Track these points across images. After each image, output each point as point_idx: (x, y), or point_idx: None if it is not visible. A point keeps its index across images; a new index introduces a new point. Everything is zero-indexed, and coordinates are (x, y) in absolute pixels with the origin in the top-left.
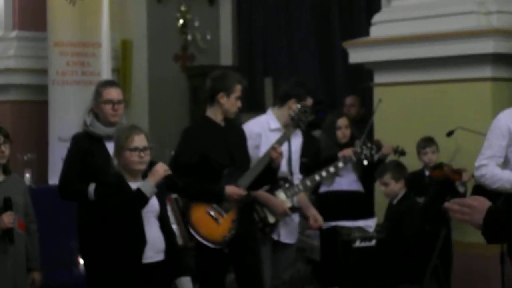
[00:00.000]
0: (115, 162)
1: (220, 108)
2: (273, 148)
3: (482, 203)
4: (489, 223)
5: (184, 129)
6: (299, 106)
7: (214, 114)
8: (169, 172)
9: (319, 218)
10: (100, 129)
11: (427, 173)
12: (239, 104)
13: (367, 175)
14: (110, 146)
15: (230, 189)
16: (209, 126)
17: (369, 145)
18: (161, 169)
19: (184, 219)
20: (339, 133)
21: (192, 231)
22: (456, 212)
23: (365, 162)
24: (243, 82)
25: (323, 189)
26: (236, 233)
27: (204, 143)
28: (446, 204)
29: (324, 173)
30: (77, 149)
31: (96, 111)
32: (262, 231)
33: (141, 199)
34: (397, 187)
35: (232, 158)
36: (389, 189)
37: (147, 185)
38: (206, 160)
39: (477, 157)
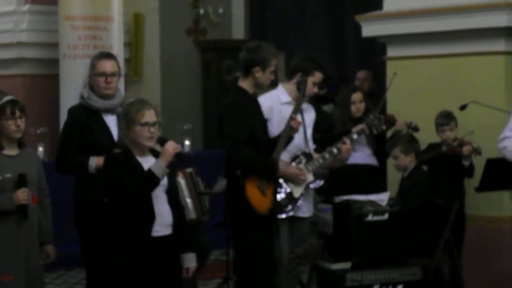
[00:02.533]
0: (124, 136)
1: (255, 81)
2: (292, 118)
3: None
4: None
5: (227, 104)
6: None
7: (248, 86)
8: (179, 150)
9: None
10: (97, 101)
11: (444, 148)
12: (272, 77)
13: (382, 149)
14: (108, 119)
15: (281, 164)
16: (247, 98)
17: (377, 115)
18: (171, 148)
19: (198, 193)
20: (353, 108)
21: (244, 204)
22: None
23: (375, 132)
24: (277, 56)
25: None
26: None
27: (250, 117)
28: None
29: (340, 144)
30: (74, 122)
31: (91, 84)
32: (288, 206)
33: (153, 180)
34: (407, 160)
35: (265, 130)
36: (398, 162)
37: (158, 166)
38: (252, 134)
39: (490, 131)
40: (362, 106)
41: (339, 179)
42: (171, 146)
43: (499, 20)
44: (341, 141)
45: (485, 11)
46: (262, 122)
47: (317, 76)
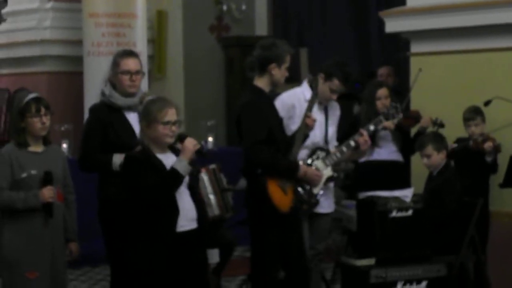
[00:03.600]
0: (144, 134)
1: (271, 78)
2: (307, 116)
3: None
4: None
5: (244, 104)
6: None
7: (264, 84)
8: (199, 146)
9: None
10: (119, 99)
11: (470, 143)
12: (287, 74)
13: (407, 146)
14: (130, 117)
15: (302, 166)
16: (264, 98)
17: (394, 104)
18: (191, 145)
19: (221, 189)
20: (379, 103)
21: (265, 202)
22: None
23: (394, 121)
24: (292, 52)
25: (363, 159)
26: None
27: (268, 117)
28: None
29: (357, 137)
30: (97, 120)
31: (113, 81)
32: (308, 203)
33: (177, 178)
34: (440, 158)
35: (282, 129)
36: (432, 161)
37: (181, 164)
38: (271, 133)
39: None
40: (387, 101)
41: (365, 175)
42: (191, 143)
43: None
44: (358, 133)
45: (509, 7)
46: (278, 121)
47: (335, 84)
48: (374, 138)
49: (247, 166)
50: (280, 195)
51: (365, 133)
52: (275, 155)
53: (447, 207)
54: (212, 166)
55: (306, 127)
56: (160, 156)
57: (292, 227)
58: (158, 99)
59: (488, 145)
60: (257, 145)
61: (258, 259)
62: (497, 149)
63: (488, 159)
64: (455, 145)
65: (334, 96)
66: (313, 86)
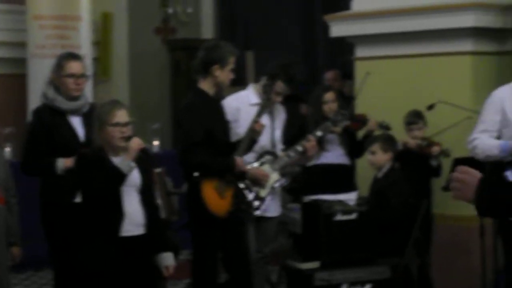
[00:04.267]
0: (96, 136)
1: (214, 80)
2: (255, 121)
3: (473, 176)
4: (481, 197)
5: (184, 106)
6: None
7: (208, 86)
8: (144, 146)
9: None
10: (63, 103)
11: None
12: (232, 75)
13: (354, 149)
14: (74, 121)
15: (239, 161)
16: (206, 100)
17: (341, 111)
18: (135, 145)
19: (167, 193)
20: (325, 107)
21: (201, 205)
22: (452, 189)
23: (340, 127)
24: (236, 53)
25: (310, 162)
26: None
27: (207, 118)
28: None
29: (305, 142)
30: (40, 123)
31: (56, 84)
32: (252, 206)
33: (119, 177)
34: (384, 158)
35: (225, 132)
36: (375, 158)
37: (124, 163)
38: (210, 135)
39: (457, 130)
40: (334, 105)
41: (312, 178)
42: (135, 143)
43: (466, 20)
44: (306, 138)
45: (453, 12)
46: (223, 123)
47: (279, 86)
48: (321, 142)
49: (180, 166)
50: (215, 199)
51: (312, 138)
52: (208, 157)
53: (394, 209)
54: (158, 170)
55: (254, 132)
56: (114, 159)
57: (232, 230)
58: (108, 102)
59: (435, 149)
60: (191, 147)
61: (198, 263)
62: (445, 154)
63: (434, 163)
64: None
65: (279, 99)
66: (266, 91)
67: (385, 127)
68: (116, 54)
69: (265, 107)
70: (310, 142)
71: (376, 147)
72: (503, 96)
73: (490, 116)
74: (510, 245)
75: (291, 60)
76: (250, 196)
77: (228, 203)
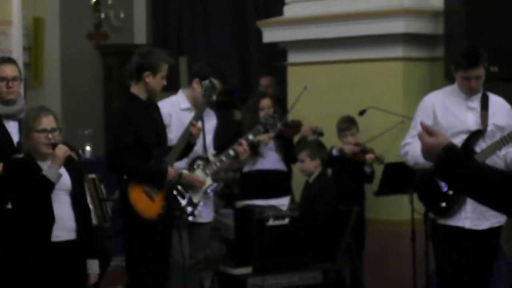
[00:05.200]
0: (24, 142)
1: (145, 86)
2: (191, 124)
3: (442, 139)
4: (441, 161)
5: (114, 109)
6: (207, 83)
7: (139, 91)
8: (69, 152)
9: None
10: None
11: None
12: (164, 82)
13: (289, 155)
14: (9, 125)
15: (172, 172)
16: (137, 104)
17: (273, 115)
18: (61, 152)
19: (99, 199)
20: (261, 114)
21: (131, 209)
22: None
23: (272, 132)
24: (170, 61)
25: (246, 168)
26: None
27: (136, 122)
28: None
29: (237, 146)
30: None
31: None
32: (185, 212)
33: (47, 184)
34: (312, 165)
35: (158, 136)
36: (304, 166)
37: (51, 171)
38: (139, 138)
39: (388, 136)
40: (270, 111)
41: (248, 184)
42: (61, 150)
43: (397, 26)
44: (238, 142)
45: (384, 18)
46: (156, 127)
47: (215, 83)
48: (257, 148)
49: (108, 169)
50: (145, 202)
51: (244, 142)
52: (138, 162)
53: (319, 215)
54: (92, 175)
55: (191, 135)
56: (42, 164)
57: (162, 235)
58: (35, 108)
59: (369, 157)
60: (118, 150)
61: (132, 268)
62: (380, 161)
63: (368, 170)
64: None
65: (214, 97)
66: (205, 94)
67: (318, 133)
68: (47, 60)
69: (203, 109)
70: (241, 146)
71: (303, 154)
72: (434, 101)
73: (421, 121)
74: (442, 250)
75: (214, 60)
76: (183, 202)
77: (159, 207)
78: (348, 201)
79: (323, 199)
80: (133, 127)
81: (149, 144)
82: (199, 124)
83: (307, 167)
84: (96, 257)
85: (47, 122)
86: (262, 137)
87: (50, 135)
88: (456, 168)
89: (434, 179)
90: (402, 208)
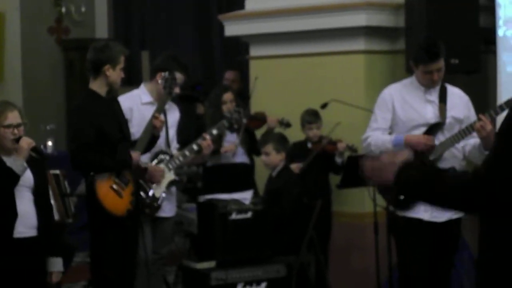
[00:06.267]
0: None
1: (106, 80)
2: (154, 117)
3: (393, 158)
4: (400, 180)
5: (74, 107)
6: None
7: (99, 86)
8: (34, 144)
9: None
10: None
11: (310, 145)
12: (122, 75)
13: (254, 148)
14: None
15: (135, 155)
16: (97, 100)
17: (237, 109)
18: (25, 144)
19: (62, 194)
20: (224, 108)
21: (98, 205)
22: (372, 177)
23: (236, 126)
24: (126, 52)
25: (210, 162)
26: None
27: (98, 119)
28: (362, 171)
29: (200, 141)
30: None
31: None
32: (150, 206)
33: (12, 177)
34: (278, 158)
35: (122, 131)
36: (269, 159)
37: (16, 163)
38: (103, 135)
39: (350, 128)
40: (233, 105)
41: (213, 178)
42: (25, 142)
43: (358, 19)
44: (201, 137)
45: (345, 11)
46: (118, 122)
47: (178, 77)
48: (220, 142)
49: (72, 168)
50: (113, 198)
51: (208, 137)
52: (101, 155)
53: (284, 208)
54: (54, 171)
55: (154, 128)
56: (6, 158)
57: (130, 230)
58: (0, 103)
59: (341, 145)
60: (80, 147)
61: (97, 264)
62: (352, 149)
63: (339, 160)
64: (307, 160)
65: (177, 90)
66: (166, 86)
67: (285, 123)
68: (8, 55)
69: (165, 102)
70: (205, 141)
71: (269, 147)
72: (393, 94)
73: (381, 114)
74: (402, 243)
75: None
76: (148, 196)
77: (127, 202)
78: (314, 194)
79: (288, 192)
80: (95, 124)
81: (113, 140)
82: (162, 117)
83: (272, 160)
84: (60, 255)
85: (13, 117)
86: (229, 147)
87: (15, 130)
88: (416, 174)
89: None
90: (366, 201)
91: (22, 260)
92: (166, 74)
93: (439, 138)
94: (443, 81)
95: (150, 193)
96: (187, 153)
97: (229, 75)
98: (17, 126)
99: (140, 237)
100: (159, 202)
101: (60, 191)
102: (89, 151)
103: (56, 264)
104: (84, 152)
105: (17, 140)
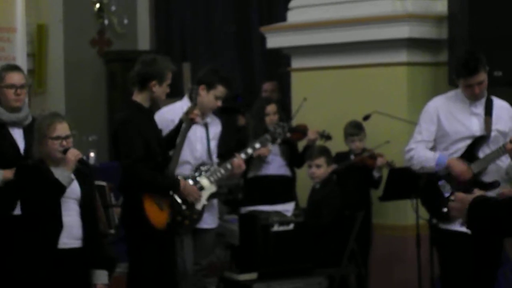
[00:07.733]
0: (36, 149)
1: (151, 94)
2: (187, 113)
3: (464, 200)
4: (472, 217)
5: (121, 120)
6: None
7: (143, 100)
8: (81, 156)
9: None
10: (4, 114)
11: (352, 157)
12: (168, 90)
13: (295, 160)
14: (14, 132)
15: (183, 183)
16: (143, 114)
17: (281, 124)
18: (72, 156)
19: (105, 205)
20: (267, 120)
21: (142, 217)
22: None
23: (279, 141)
24: (173, 68)
25: (251, 174)
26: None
27: (144, 132)
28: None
29: (243, 155)
30: None
31: None
32: (189, 218)
33: (59, 188)
34: (327, 171)
35: (160, 144)
36: (320, 172)
37: (63, 174)
38: (148, 147)
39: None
40: (276, 117)
41: (254, 190)
42: (72, 154)
43: (401, 31)
44: (235, 156)
45: (388, 23)
46: (157, 134)
47: (220, 90)
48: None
49: (125, 183)
50: (156, 212)
51: (239, 156)
52: (155, 173)
53: (325, 220)
54: (102, 183)
55: (191, 121)
56: (53, 169)
57: (168, 243)
58: (49, 115)
59: (380, 160)
60: (136, 164)
61: (135, 276)
62: (390, 165)
63: (377, 174)
64: (340, 165)
65: (219, 103)
66: (192, 96)
67: (326, 136)
68: (51, 66)
69: (193, 109)
70: (236, 160)
71: (322, 160)
72: (438, 107)
73: (425, 126)
74: (445, 256)
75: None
76: (184, 207)
77: (167, 215)
78: (354, 206)
79: (329, 204)
80: (143, 136)
81: (155, 153)
82: (201, 131)
83: (323, 173)
84: (104, 267)
85: (61, 129)
86: (262, 151)
87: (64, 142)
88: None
89: (436, 184)
90: (408, 213)
91: (66, 272)
92: (190, 88)
93: (484, 151)
94: (488, 93)
95: (187, 204)
96: (228, 166)
97: (267, 86)
98: (66, 138)
99: (178, 248)
100: (199, 214)
101: (104, 202)
102: (142, 168)
103: (101, 277)
104: (138, 171)
105: (65, 151)
